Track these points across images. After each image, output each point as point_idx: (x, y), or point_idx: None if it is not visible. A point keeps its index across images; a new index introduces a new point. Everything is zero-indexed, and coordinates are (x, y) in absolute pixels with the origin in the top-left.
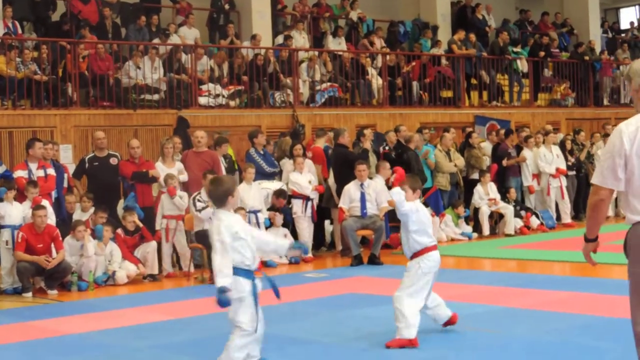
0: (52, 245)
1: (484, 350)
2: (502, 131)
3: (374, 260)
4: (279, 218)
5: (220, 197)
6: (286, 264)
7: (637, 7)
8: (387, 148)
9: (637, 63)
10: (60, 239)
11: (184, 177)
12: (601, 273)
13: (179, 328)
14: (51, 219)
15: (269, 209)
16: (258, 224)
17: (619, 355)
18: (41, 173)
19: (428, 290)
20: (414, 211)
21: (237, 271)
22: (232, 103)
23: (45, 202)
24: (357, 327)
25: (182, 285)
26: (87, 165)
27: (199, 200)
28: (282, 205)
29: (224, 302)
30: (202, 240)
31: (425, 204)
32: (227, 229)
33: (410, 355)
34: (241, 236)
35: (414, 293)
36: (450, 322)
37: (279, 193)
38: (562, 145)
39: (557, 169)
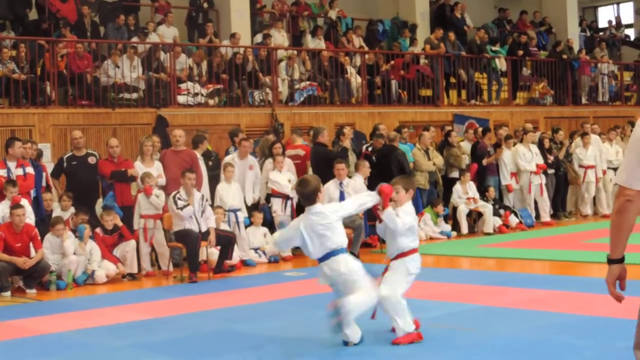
0: (31, 244)
1: (462, 348)
2: (480, 130)
3: None
4: (259, 218)
5: (310, 195)
6: (265, 262)
7: (615, 5)
8: (369, 150)
9: None
10: (39, 238)
11: (162, 180)
12: (580, 271)
13: (157, 327)
14: (30, 218)
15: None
16: (238, 222)
17: (597, 353)
18: (20, 172)
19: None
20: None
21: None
22: (211, 102)
23: (24, 201)
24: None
25: (161, 284)
26: (65, 164)
27: (179, 199)
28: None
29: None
30: (181, 239)
31: None
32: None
33: (388, 354)
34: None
35: (400, 290)
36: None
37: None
38: (540, 144)
39: (537, 165)
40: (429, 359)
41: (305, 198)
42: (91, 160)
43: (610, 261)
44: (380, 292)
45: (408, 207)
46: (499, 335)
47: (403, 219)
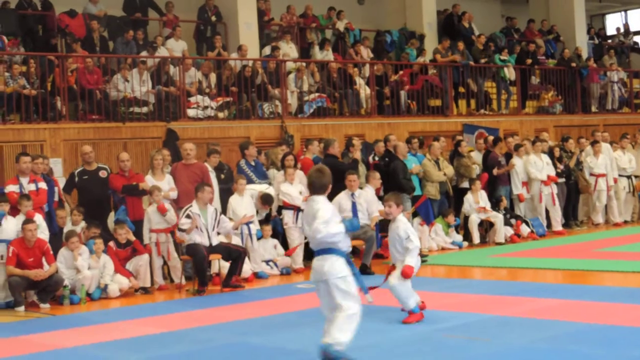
0: (44, 259)
1: (476, 359)
2: (491, 139)
3: (365, 270)
4: (268, 230)
5: (323, 186)
6: (277, 275)
7: (622, 13)
8: (376, 159)
9: None
10: (52, 252)
11: (174, 193)
12: (593, 280)
13: (171, 340)
14: (44, 233)
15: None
16: (250, 235)
17: None
18: (32, 187)
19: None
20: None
21: (334, 251)
22: (220, 115)
23: (37, 216)
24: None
25: (173, 297)
26: (76, 179)
27: (187, 216)
28: (266, 210)
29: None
30: (190, 252)
31: (416, 213)
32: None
33: None
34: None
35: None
36: None
37: (264, 199)
38: (550, 153)
39: (548, 177)
40: None
41: (317, 186)
42: (102, 174)
43: None
44: (390, 282)
45: (409, 227)
46: (513, 345)
47: (415, 242)
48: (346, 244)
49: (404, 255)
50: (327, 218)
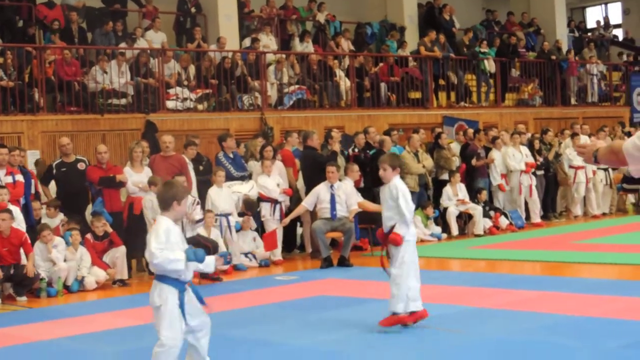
0: (22, 250)
1: (453, 351)
2: (471, 131)
3: (343, 262)
4: (252, 222)
5: (166, 200)
6: (256, 267)
7: (603, 6)
8: (356, 150)
9: None
10: (29, 242)
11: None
12: (571, 272)
13: (148, 333)
14: (21, 225)
15: (238, 214)
16: (229, 227)
17: (589, 353)
18: (9, 179)
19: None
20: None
21: (165, 279)
22: (200, 107)
23: (14, 209)
24: (327, 329)
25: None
26: (54, 171)
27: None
28: (249, 216)
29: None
30: None
31: None
32: (165, 233)
33: (378, 356)
34: (172, 243)
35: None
36: None
37: (247, 205)
38: (530, 145)
39: (527, 164)
40: None
41: (160, 202)
42: (81, 166)
43: None
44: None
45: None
46: (489, 337)
47: (406, 208)
48: (189, 275)
49: (393, 220)
50: (162, 242)
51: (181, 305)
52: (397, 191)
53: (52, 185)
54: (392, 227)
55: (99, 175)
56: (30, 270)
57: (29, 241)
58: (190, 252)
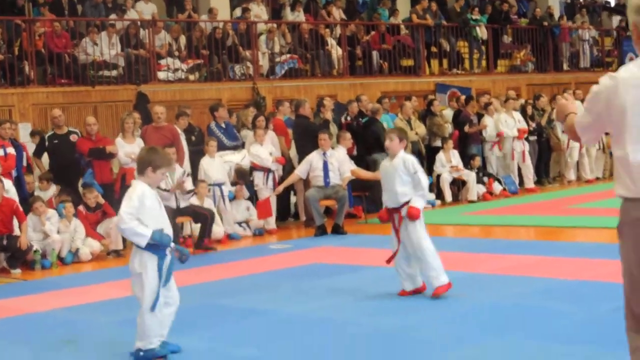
0: (16, 221)
1: (448, 315)
2: (463, 98)
3: (337, 230)
4: (245, 191)
5: (142, 164)
6: (250, 236)
7: None
8: (348, 118)
9: None
10: (22, 210)
11: None
12: (565, 237)
13: None
14: (13, 198)
15: (231, 184)
16: (223, 196)
17: (583, 317)
18: (1, 152)
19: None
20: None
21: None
22: (191, 77)
23: (7, 182)
24: (321, 297)
25: None
26: (47, 143)
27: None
28: (242, 185)
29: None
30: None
31: None
32: (138, 198)
33: (373, 323)
34: (147, 207)
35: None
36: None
37: (240, 174)
38: (523, 111)
39: (519, 130)
40: (414, 326)
41: (137, 166)
42: (73, 138)
43: None
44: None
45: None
46: (485, 302)
47: (424, 179)
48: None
49: (408, 195)
50: (134, 206)
51: (159, 270)
52: (415, 165)
53: (45, 157)
54: (405, 203)
55: (89, 147)
56: (24, 243)
57: (21, 209)
58: (157, 233)
